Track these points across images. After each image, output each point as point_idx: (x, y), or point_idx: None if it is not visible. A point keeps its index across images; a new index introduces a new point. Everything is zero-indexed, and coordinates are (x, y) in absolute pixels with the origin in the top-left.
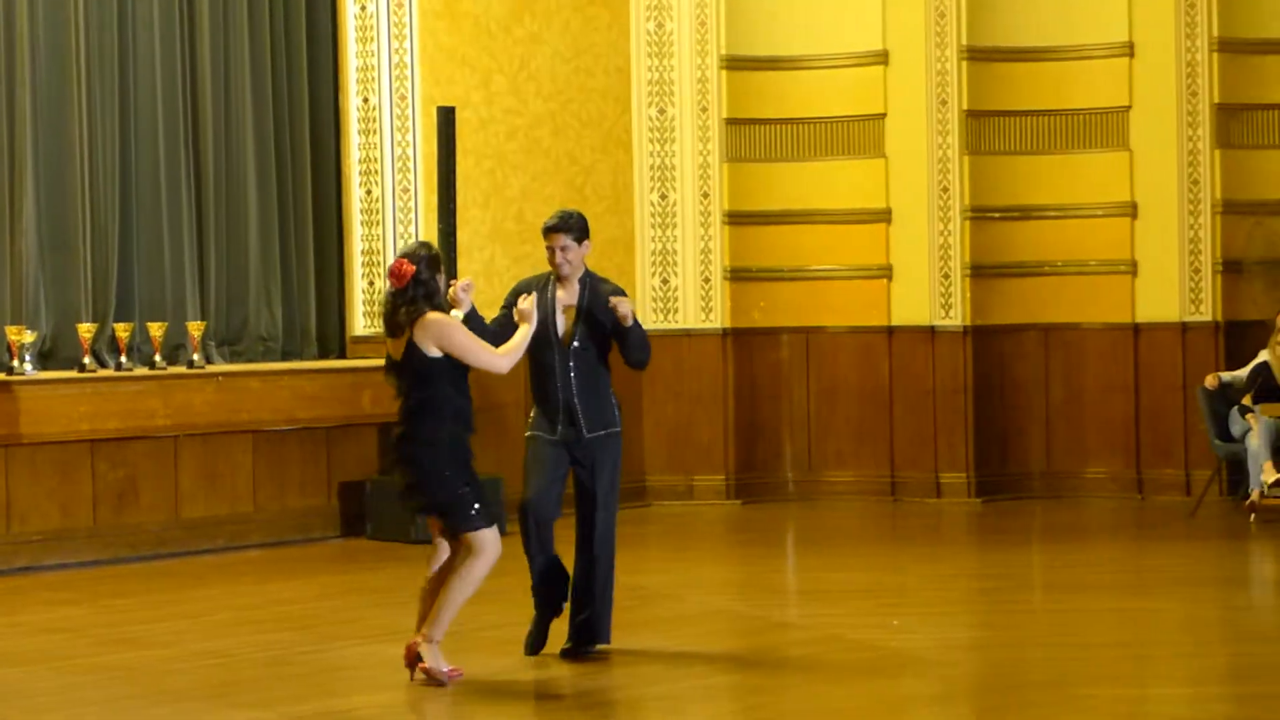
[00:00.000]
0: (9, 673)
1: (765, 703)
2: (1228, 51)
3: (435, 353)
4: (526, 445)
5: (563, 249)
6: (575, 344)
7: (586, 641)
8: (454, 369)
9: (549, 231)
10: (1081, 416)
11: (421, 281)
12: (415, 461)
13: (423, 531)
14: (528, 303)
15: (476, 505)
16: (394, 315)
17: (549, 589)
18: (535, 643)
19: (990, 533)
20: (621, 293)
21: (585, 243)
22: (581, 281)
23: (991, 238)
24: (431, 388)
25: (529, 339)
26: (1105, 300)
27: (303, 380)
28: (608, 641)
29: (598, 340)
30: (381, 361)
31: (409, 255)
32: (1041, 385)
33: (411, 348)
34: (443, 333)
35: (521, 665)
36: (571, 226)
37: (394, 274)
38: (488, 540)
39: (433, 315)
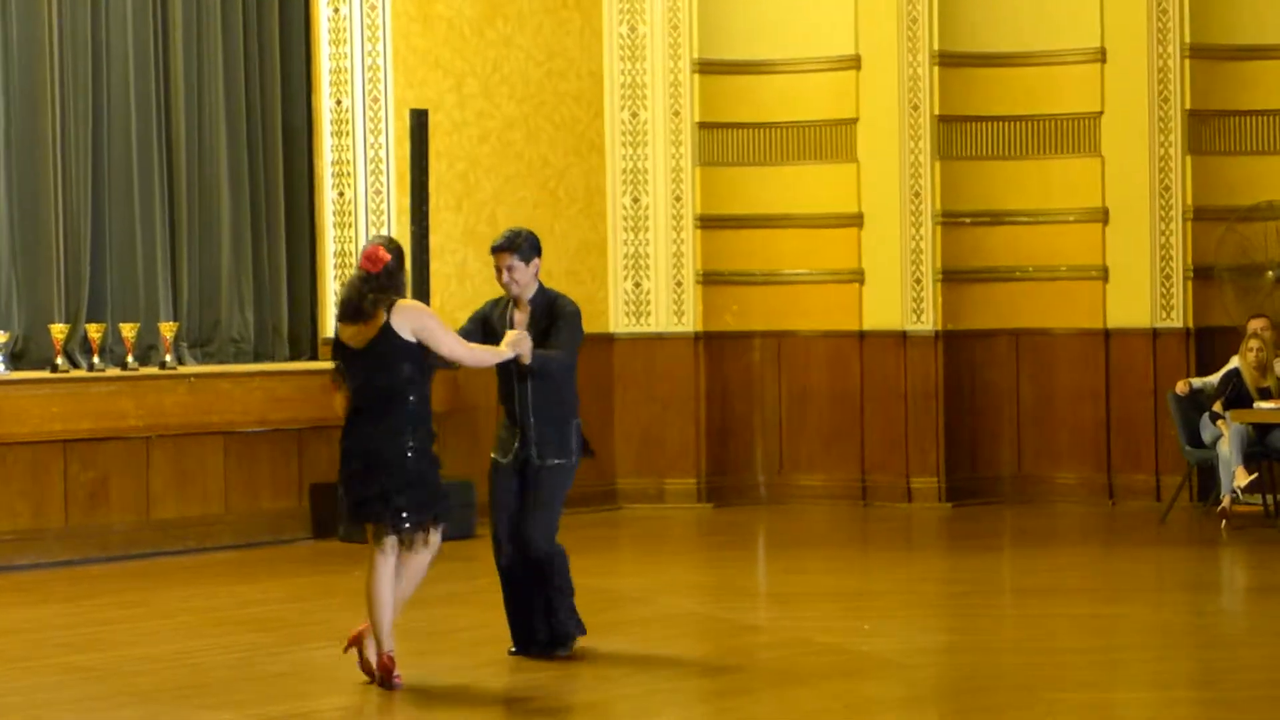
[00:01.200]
0: None
1: (735, 705)
2: (1199, 57)
3: (411, 338)
4: (489, 468)
5: (509, 269)
6: (531, 366)
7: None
8: (422, 356)
9: (495, 251)
10: (1052, 422)
11: (391, 272)
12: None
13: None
14: (517, 336)
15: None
16: (361, 300)
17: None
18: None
19: (960, 537)
20: (570, 307)
21: (535, 260)
22: (534, 302)
23: (963, 243)
24: (403, 371)
25: (496, 359)
26: (1076, 306)
27: (274, 382)
28: (570, 645)
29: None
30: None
31: (383, 243)
32: (1012, 390)
33: (387, 332)
34: (420, 317)
35: (491, 667)
36: (518, 246)
37: (369, 258)
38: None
39: (409, 300)
